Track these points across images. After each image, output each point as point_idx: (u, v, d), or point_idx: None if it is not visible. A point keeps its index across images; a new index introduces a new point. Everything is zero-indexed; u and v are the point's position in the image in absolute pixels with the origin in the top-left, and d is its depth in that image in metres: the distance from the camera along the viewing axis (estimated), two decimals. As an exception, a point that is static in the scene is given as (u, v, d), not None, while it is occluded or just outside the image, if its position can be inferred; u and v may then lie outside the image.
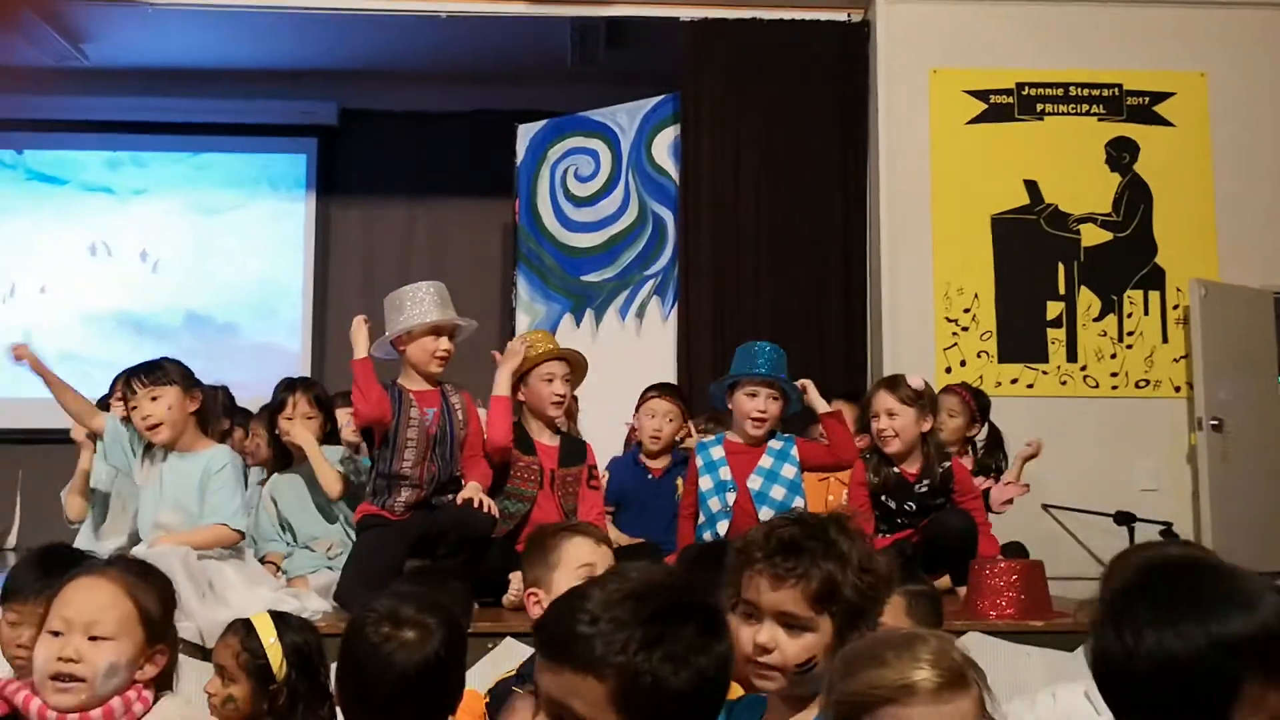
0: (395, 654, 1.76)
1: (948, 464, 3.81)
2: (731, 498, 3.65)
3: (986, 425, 4.48)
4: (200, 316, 7.32)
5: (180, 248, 7.34)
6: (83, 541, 3.64)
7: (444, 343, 3.56)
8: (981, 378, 5.29)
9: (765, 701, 1.63)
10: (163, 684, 1.92)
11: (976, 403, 4.43)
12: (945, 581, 3.86)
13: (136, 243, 7.32)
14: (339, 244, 7.51)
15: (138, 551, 3.16)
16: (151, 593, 1.92)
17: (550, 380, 3.75)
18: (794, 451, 3.71)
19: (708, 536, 3.61)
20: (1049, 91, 5.57)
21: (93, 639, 1.81)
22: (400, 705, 1.76)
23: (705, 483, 3.68)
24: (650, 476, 4.21)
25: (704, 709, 1.25)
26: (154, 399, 3.29)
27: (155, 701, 1.89)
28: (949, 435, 4.29)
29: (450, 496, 3.53)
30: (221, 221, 7.40)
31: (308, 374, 7.17)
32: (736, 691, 1.72)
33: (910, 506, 3.76)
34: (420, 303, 3.57)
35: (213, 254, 7.33)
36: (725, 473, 3.67)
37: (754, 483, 3.67)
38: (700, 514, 3.69)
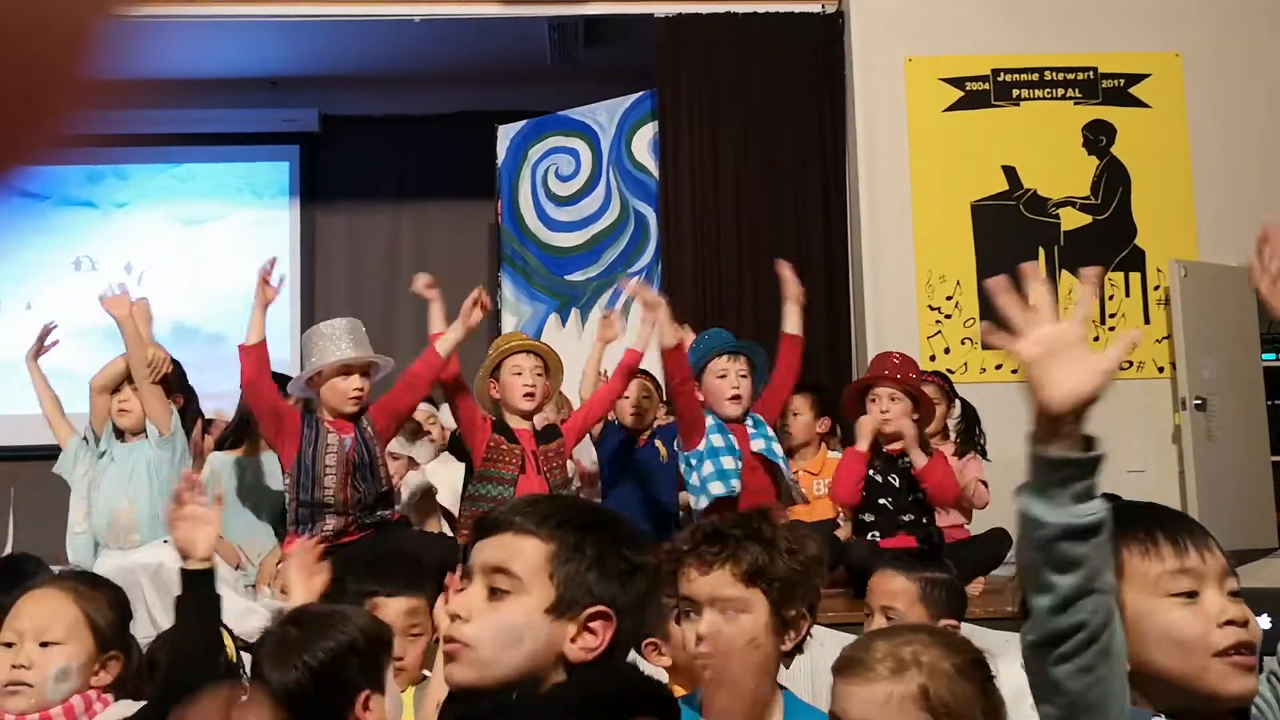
0: (263, 665, 1.74)
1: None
2: (738, 464, 3.68)
3: (959, 405, 4.53)
4: (187, 328, 7.32)
5: (165, 259, 7.34)
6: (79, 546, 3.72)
7: (355, 381, 3.50)
8: (966, 364, 5.32)
9: (697, 702, 1.67)
10: (126, 694, 1.99)
11: (949, 385, 4.50)
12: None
13: (121, 256, 7.32)
14: (324, 250, 7.53)
15: (104, 562, 3.23)
16: (100, 601, 2.00)
17: (519, 373, 3.73)
18: (765, 420, 3.80)
19: (718, 487, 3.62)
20: (1024, 77, 5.58)
21: (43, 645, 1.90)
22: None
23: (718, 440, 3.69)
24: (637, 444, 4.29)
25: (623, 613, 1.29)
26: (137, 391, 3.64)
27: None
28: (936, 424, 4.33)
29: (383, 514, 3.52)
30: (206, 232, 7.41)
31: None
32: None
33: (895, 480, 3.80)
34: (331, 341, 3.51)
35: (198, 265, 7.34)
36: (731, 438, 3.71)
37: (757, 444, 3.72)
38: (711, 466, 3.67)
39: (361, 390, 3.52)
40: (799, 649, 1.66)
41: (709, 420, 3.71)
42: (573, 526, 1.30)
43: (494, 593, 1.28)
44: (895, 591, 2.34)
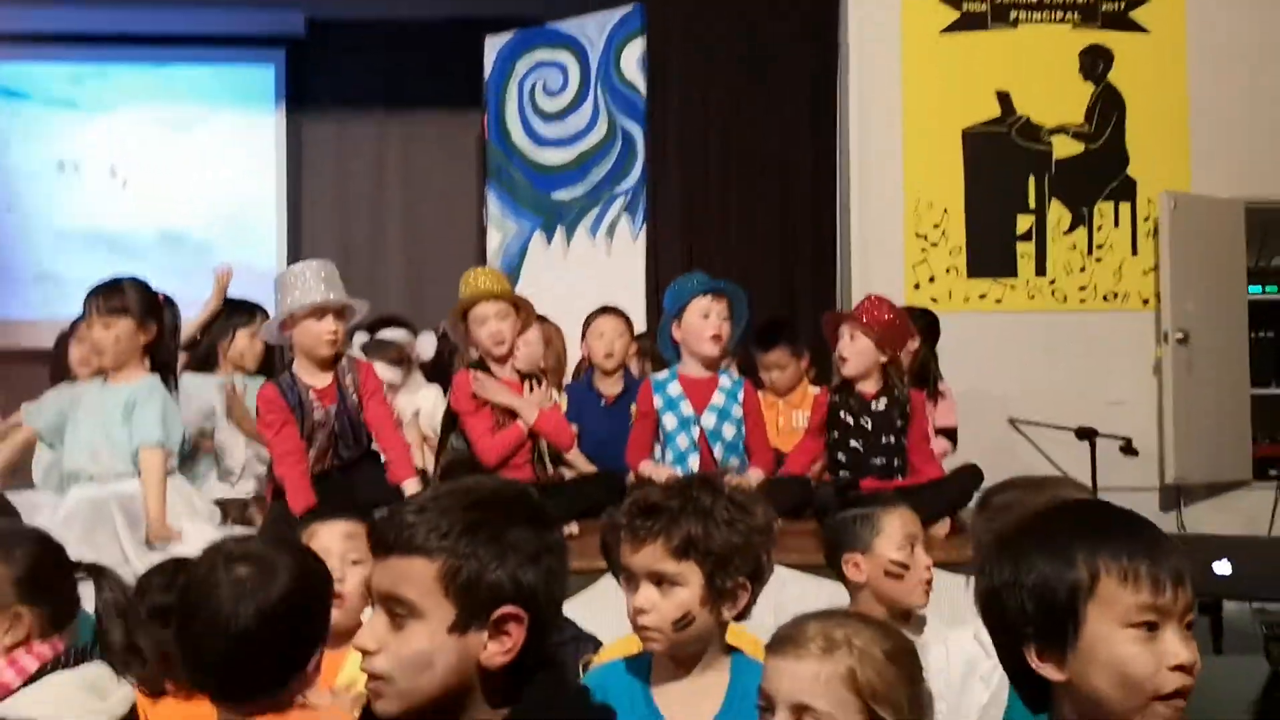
0: (223, 594, 1.58)
1: (907, 392, 3.81)
2: (697, 432, 3.65)
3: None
4: (173, 235, 7.26)
5: (150, 163, 7.24)
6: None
7: (329, 324, 3.40)
8: (950, 293, 5.30)
9: (649, 661, 1.69)
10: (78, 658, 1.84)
11: (924, 322, 4.41)
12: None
13: (105, 159, 7.23)
14: (311, 158, 7.42)
15: (75, 492, 3.18)
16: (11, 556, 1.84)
17: (484, 322, 3.61)
18: (741, 395, 3.71)
19: (678, 472, 3.57)
20: (1023, -2, 5.48)
21: None
22: (229, 653, 1.57)
23: (670, 421, 3.66)
24: (604, 404, 4.21)
25: (534, 599, 1.26)
26: (106, 327, 3.28)
27: (42, 674, 1.79)
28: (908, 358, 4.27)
29: None
30: (191, 136, 7.30)
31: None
32: (634, 647, 1.78)
33: (866, 423, 3.72)
34: (303, 284, 3.40)
35: (183, 169, 7.24)
36: (686, 407, 3.65)
37: (708, 420, 3.65)
38: (668, 452, 3.67)
39: (335, 332, 3.44)
40: (745, 613, 1.68)
41: (658, 399, 3.66)
42: (460, 531, 1.24)
43: (395, 618, 1.25)
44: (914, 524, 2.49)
